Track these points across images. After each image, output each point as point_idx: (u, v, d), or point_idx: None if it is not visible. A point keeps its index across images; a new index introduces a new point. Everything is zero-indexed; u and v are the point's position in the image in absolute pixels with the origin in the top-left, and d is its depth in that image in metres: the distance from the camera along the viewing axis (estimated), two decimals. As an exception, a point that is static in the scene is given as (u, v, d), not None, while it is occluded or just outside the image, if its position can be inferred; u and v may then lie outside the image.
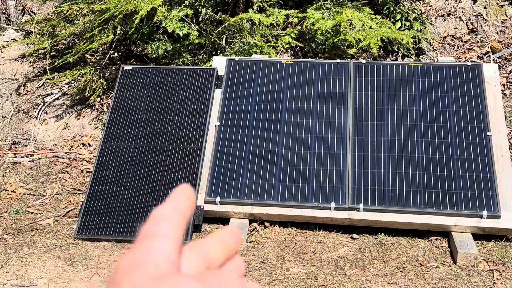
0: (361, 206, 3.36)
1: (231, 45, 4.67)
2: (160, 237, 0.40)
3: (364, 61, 3.93)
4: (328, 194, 3.43)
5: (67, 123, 4.96)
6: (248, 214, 3.48)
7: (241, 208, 3.47)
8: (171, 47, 4.89)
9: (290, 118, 3.74)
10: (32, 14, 6.10)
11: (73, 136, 4.87)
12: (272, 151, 3.62)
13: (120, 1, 4.48)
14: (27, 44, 5.57)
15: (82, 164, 4.48)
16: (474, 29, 5.14)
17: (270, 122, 3.74)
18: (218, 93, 3.93)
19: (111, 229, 3.41)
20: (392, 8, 5.00)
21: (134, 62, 5.34)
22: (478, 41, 5.07)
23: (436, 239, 3.39)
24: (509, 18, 5.16)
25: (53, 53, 5.37)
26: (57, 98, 5.16)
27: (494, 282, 2.97)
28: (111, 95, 5.00)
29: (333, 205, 3.38)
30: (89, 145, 4.75)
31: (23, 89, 5.28)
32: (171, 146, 3.72)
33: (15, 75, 5.39)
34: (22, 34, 5.77)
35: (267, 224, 3.55)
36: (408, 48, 4.80)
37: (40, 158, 4.58)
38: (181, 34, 4.67)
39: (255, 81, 3.92)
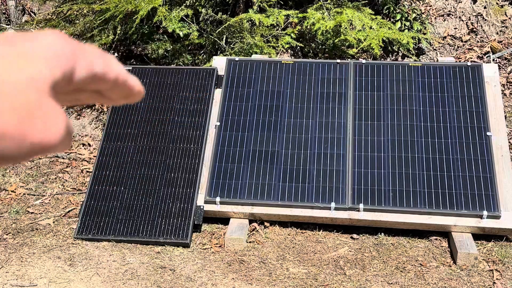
0: (361, 206, 3.36)
1: (231, 45, 4.67)
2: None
3: (364, 61, 3.93)
4: (328, 194, 3.43)
5: (67, 123, 4.95)
6: (248, 214, 3.48)
7: (241, 208, 3.47)
8: (171, 47, 4.89)
9: (290, 118, 3.74)
10: (32, 14, 6.10)
11: (73, 136, 4.87)
12: (272, 151, 3.62)
13: (120, 1, 4.48)
14: (27, 44, 5.56)
15: (82, 164, 4.48)
16: (474, 29, 5.14)
17: (270, 122, 3.74)
18: (218, 93, 3.93)
19: (111, 229, 3.41)
20: (392, 8, 5.00)
21: (134, 62, 5.34)
22: (478, 41, 5.07)
23: (436, 239, 3.39)
24: (509, 18, 5.16)
25: (53, 53, 5.36)
26: (57, 98, 5.16)
27: (494, 282, 2.97)
28: (111, 95, 5.00)
29: (333, 205, 3.38)
30: (89, 145, 4.75)
31: (23, 89, 5.28)
32: (171, 146, 3.73)
33: (15, 75, 5.39)
34: (22, 34, 5.77)
35: (267, 224, 3.54)
36: (408, 49, 4.80)
37: (40, 158, 4.58)
38: (181, 34, 4.67)
39: (255, 81, 3.92)
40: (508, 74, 4.79)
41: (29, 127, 0.34)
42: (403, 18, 4.97)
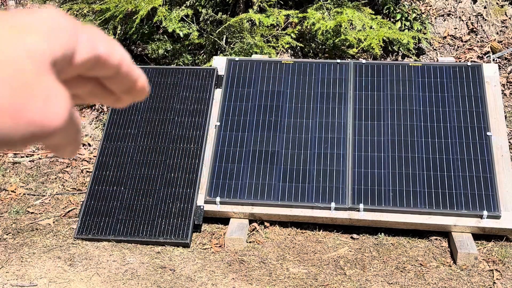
0: (361, 206, 3.36)
1: (231, 45, 4.67)
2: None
3: (364, 61, 3.93)
4: (328, 194, 3.43)
5: (67, 123, 4.95)
6: (248, 214, 3.48)
7: (241, 208, 3.47)
8: (171, 47, 4.89)
9: (290, 118, 3.74)
10: (32, 14, 6.11)
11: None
12: (272, 151, 3.62)
13: (120, 1, 4.48)
14: (27, 44, 5.57)
15: (82, 164, 4.48)
16: (474, 29, 5.14)
17: (270, 122, 3.74)
18: (218, 93, 3.93)
19: (111, 229, 3.41)
20: (392, 8, 5.00)
21: (134, 62, 5.33)
22: (478, 41, 5.07)
23: (436, 239, 3.39)
24: (509, 18, 5.15)
25: (53, 53, 5.37)
26: (57, 98, 5.15)
27: (494, 282, 2.97)
28: (111, 95, 5.00)
29: (333, 205, 3.38)
30: (89, 145, 4.75)
31: (23, 89, 5.28)
32: (171, 146, 3.73)
33: (15, 75, 5.39)
34: (22, 34, 5.77)
35: (267, 224, 3.55)
36: (409, 48, 4.80)
37: (40, 158, 4.58)
38: (181, 34, 4.67)
39: (255, 81, 3.92)
40: (508, 74, 4.79)
41: (26, 103, 0.31)
42: (403, 18, 4.97)
